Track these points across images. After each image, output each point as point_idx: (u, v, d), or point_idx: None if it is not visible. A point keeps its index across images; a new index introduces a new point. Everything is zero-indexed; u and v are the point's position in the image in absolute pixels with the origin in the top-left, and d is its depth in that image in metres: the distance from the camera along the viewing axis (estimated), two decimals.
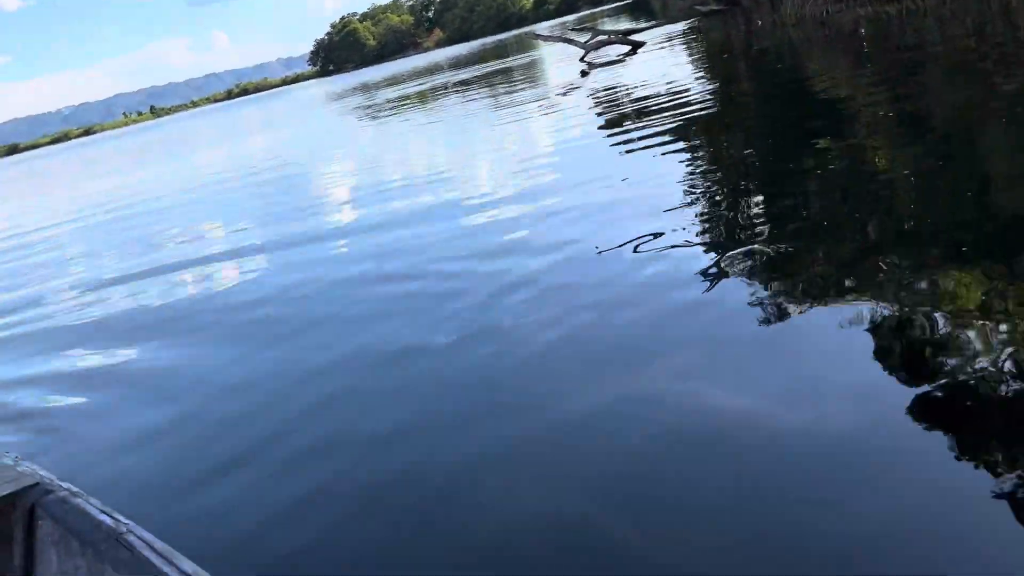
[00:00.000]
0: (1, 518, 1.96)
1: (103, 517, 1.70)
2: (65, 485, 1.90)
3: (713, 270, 3.68)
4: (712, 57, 13.83)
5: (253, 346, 4.24)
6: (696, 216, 4.59)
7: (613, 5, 75.22)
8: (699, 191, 5.16)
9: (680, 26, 21.97)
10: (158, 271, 6.69)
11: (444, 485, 2.47)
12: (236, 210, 9.46)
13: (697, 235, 4.25)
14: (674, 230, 4.36)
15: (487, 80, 22.74)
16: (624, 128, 8.34)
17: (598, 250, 4.37)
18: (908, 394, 2.37)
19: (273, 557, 2.27)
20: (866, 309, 2.95)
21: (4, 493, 1.88)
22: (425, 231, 5.82)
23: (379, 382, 3.41)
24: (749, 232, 4.13)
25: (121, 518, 1.70)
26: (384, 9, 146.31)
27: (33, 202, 20.37)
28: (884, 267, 3.32)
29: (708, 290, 3.47)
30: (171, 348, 4.50)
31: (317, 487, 2.62)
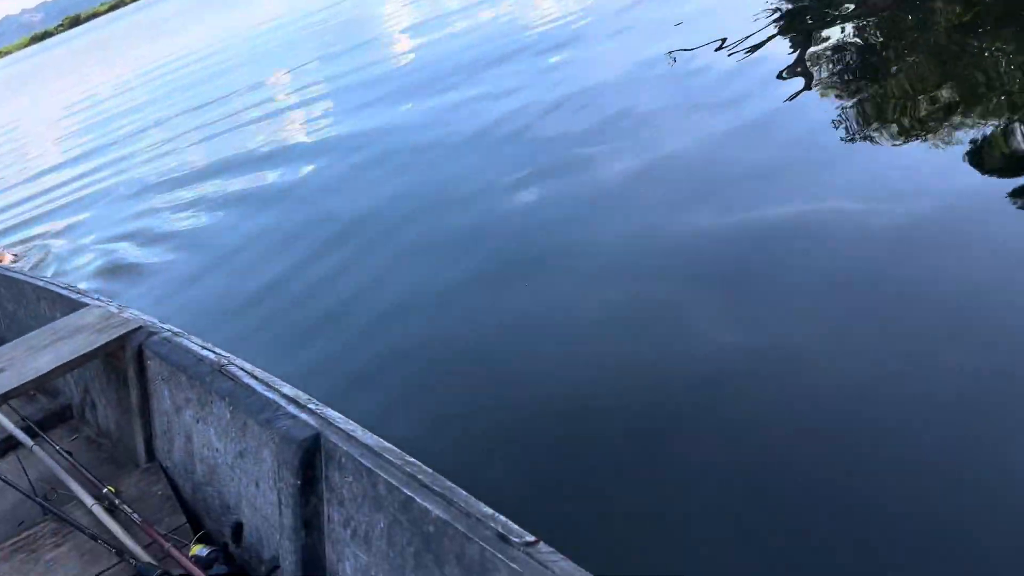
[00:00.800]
0: (115, 360, 2.06)
1: (205, 352, 1.76)
2: (167, 327, 1.96)
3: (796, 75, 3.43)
4: None
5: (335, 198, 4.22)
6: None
7: None
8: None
9: None
10: (232, 131, 6.64)
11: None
12: (297, 57, 9.25)
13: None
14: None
15: None
16: None
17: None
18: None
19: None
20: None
21: (114, 337, 1.96)
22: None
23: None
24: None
25: (222, 352, 1.75)
26: None
27: (108, 75, 20.48)
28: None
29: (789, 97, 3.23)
30: (248, 209, 4.52)
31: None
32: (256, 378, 1.57)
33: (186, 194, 5.01)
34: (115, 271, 4.00)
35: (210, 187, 4.96)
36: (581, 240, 2.75)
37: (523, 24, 6.26)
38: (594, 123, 3.76)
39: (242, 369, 1.61)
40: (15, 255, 4.88)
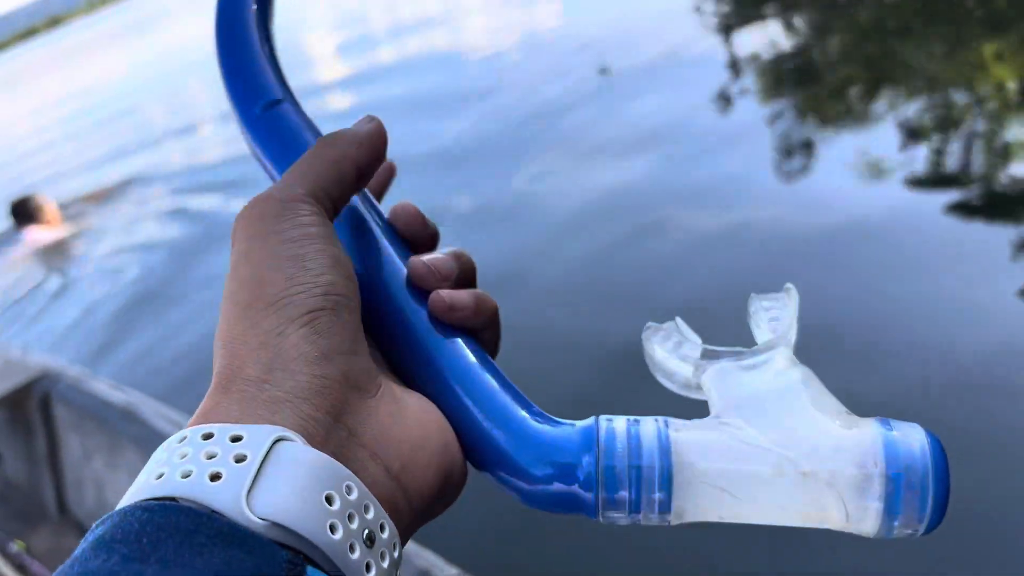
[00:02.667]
0: (18, 409, 1.99)
1: (115, 394, 1.72)
2: (74, 369, 1.91)
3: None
4: None
5: None
6: None
7: None
8: None
9: None
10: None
11: None
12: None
13: None
14: None
15: None
16: None
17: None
18: None
19: None
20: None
21: (17, 385, 1.90)
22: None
23: None
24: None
25: (133, 392, 1.71)
26: None
27: (19, 107, 19.81)
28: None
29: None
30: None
31: None
32: (168, 420, 1.54)
33: None
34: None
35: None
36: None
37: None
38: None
39: (154, 411, 1.58)
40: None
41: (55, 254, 4.48)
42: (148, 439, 1.53)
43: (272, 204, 0.29)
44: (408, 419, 0.29)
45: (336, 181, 0.31)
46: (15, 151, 10.23)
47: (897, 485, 0.26)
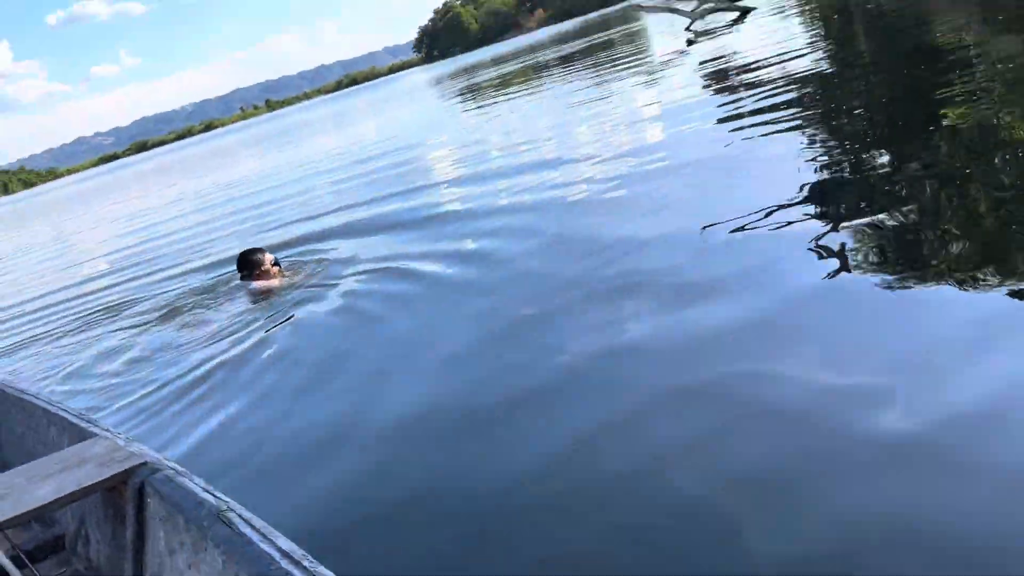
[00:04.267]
0: (115, 495, 2.01)
1: (206, 495, 1.72)
2: (171, 464, 1.93)
3: (830, 246, 3.43)
4: (826, 19, 13.11)
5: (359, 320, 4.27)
6: (809, 190, 4.29)
7: None
8: (811, 164, 4.79)
9: None
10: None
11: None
12: (342, 193, 9.62)
13: (812, 210, 3.97)
14: (787, 204, 4.11)
15: (589, 54, 22.44)
16: (732, 97, 8.02)
17: (702, 227, 4.17)
18: None
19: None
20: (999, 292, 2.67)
21: (117, 472, 1.93)
22: (525, 214, 5.72)
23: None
24: (868, 204, 3.81)
25: (223, 496, 1.70)
26: None
27: (160, 197, 21.44)
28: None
29: (828, 273, 3.22)
30: (264, 337, 4.57)
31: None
32: (253, 527, 1.51)
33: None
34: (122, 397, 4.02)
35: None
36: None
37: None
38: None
39: (240, 517, 1.56)
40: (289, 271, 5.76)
41: (267, 300, 5.26)
42: (231, 543, 1.50)
43: None
44: None
45: None
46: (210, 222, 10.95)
47: None
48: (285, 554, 1.39)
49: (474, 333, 3.66)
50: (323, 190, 10.60)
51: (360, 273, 5.30)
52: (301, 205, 9.77)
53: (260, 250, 5.69)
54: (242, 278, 5.60)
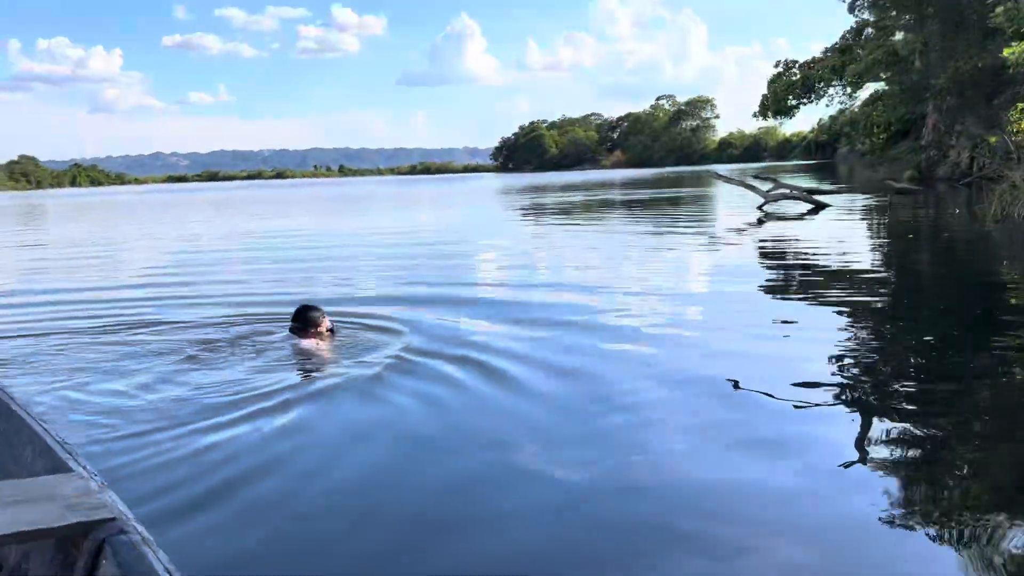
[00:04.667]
0: (68, 544, 1.82)
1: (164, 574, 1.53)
2: (139, 528, 1.74)
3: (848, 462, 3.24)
4: (896, 236, 13.16)
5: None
6: (836, 399, 4.12)
7: (797, 163, 74.70)
8: (846, 375, 4.65)
9: (868, 197, 21.28)
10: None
11: None
12: (380, 272, 9.62)
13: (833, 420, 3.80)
14: (817, 405, 3.95)
15: (657, 205, 22.78)
16: (786, 285, 7.99)
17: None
18: None
19: None
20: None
21: (79, 520, 1.74)
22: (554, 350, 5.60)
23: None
24: (891, 443, 3.60)
25: None
26: (573, 122, 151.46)
27: (197, 228, 21.81)
28: None
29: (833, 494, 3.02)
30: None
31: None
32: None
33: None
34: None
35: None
36: None
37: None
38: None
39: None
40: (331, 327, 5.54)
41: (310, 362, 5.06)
42: None
43: None
44: None
45: None
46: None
47: None
48: None
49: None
50: (372, 261, 10.64)
51: (405, 359, 5.06)
52: (349, 271, 9.80)
53: (319, 309, 5.51)
54: (292, 330, 5.39)
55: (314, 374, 4.78)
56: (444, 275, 9.00)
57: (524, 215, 22.12)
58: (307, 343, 5.30)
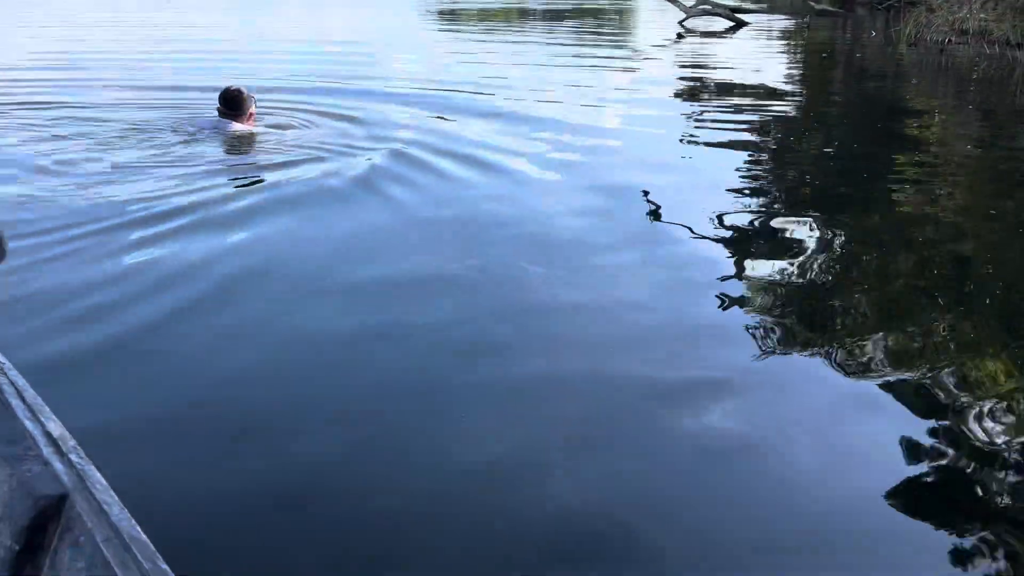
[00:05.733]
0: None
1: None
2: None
3: (733, 278, 3.32)
4: (811, 56, 13.16)
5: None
6: (736, 218, 4.17)
7: None
8: (748, 193, 4.68)
9: (787, 18, 21.02)
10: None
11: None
12: (300, 74, 9.06)
13: (728, 238, 3.85)
14: (713, 222, 4.00)
15: (578, 16, 21.99)
16: (700, 103, 7.94)
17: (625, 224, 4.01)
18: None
19: None
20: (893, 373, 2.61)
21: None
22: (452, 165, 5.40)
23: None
24: (785, 252, 3.68)
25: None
26: None
27: (86, 17, 20.05)
28: (915, 330, 2.94)
29: (721, 304, 3.09)
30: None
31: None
32: (23, 399, 1.22)
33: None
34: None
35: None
36: None
37: None
38: None
39: (12, 384, 1.26)
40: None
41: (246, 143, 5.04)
42: None
43: None
44: None
45: None
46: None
47: None
48: (52, 441, 1.12)
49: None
50: (279, 65, 9.98)
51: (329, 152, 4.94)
52: (259, 67, 9.19)
53: (245, 90, 5.25)
54: (221, 114, 5.14)
55: (240, 162, 4.66)
56: (353, 81, 8.52)
57: (441, 20, 21.07)
58: (238, 127, 5.10)
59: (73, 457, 1.09)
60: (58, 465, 1.07)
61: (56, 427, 1.16)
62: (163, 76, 8.26)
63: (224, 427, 2.13)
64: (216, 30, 16.10)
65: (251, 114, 5.21)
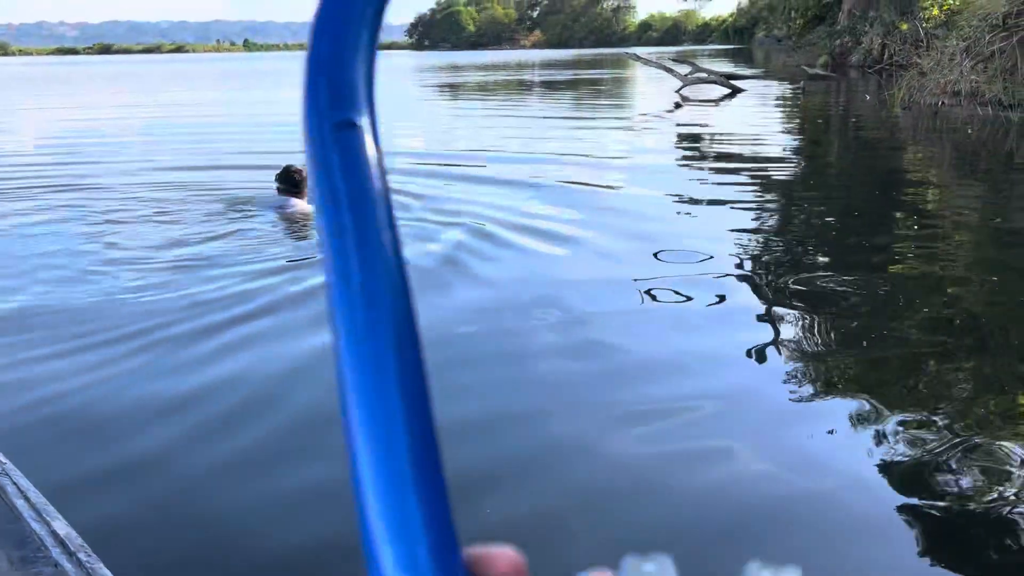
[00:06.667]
0: None
1: None
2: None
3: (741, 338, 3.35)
4: (808, 121, 13.38)
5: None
6: (737, 277, 4.22)
7: (715, 47, 74.55)
8: (750, 254, 4.76)
9: (782, 83, 21.48)
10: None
11: None
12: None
13: (731, 298, 3.89)
14: (714, 281, 4.04)
15: (574, 87, 22.46)
16: (699, 167, 8.06)
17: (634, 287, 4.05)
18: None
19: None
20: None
21: None
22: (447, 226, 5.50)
23: None
24: (784, 320, 3.72)
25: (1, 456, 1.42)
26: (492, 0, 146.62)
27: (91, 110, 20.56)
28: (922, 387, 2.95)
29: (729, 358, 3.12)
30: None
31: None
32: (27, 500, 1.24)
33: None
34: None
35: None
36: None
37: None
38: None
39: (15, 484, 1.28)
40: None
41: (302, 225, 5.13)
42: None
43: None
44: None
45: None
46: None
47: None
48: (60, 541, 1.13)
49: None
50: (286, 135, 10.18)
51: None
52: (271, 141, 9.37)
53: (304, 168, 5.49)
54: (280, 192, 5.33)
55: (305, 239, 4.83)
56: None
57: (441, 96, 21.51)
58: (299, 205, 5.24)
59: (81, 556, 1.10)
60: (67, 565, 1.08)
61: (62, 526, 1.17)
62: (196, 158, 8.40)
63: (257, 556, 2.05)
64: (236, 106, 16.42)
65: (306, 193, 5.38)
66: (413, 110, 16.11)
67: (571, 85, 23.28)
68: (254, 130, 11.97)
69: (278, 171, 5.40)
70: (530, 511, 2.15)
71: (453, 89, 22.99)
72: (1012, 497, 2.21)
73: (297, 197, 5.28)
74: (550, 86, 23.10)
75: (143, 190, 6.35)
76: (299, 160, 5.26)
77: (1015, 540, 2.04)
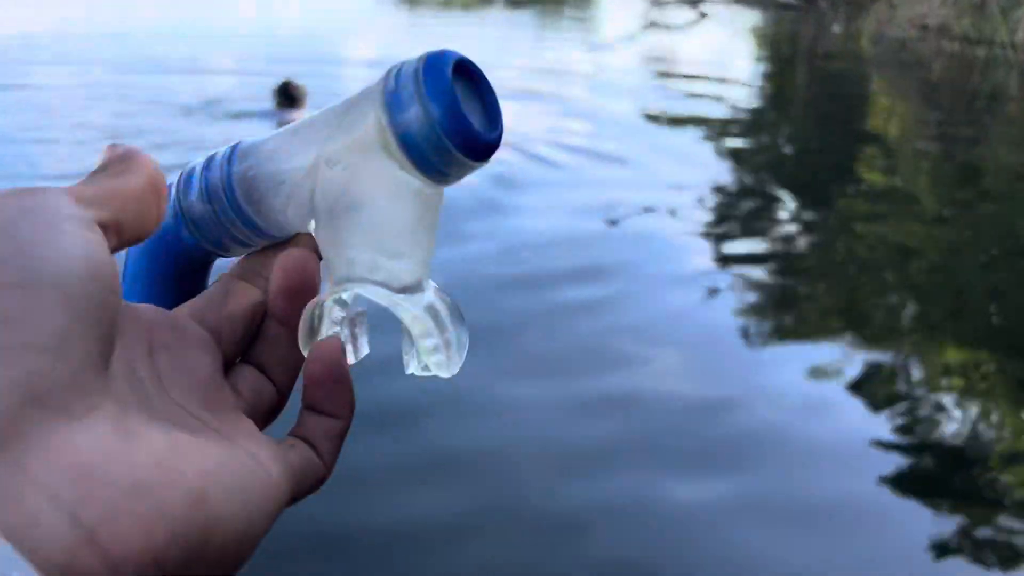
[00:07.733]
0: None
1: None
2: None
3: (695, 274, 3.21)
4: (775, 49, 13.16)
5: None
6: (694, 207, 4.06)
7: None
8: (706, 185, 4.57)
9: (753, 8, 21.09)
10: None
11: None
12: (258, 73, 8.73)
13: (688, 228, 3.74)
14: (671, 213, 3.88)
15: (541, 2, 21.81)
16: (660, 93, 7.83)
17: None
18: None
19: None
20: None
21: None
22: None
23: None
24: (743, 252, 3.58)
25: None
26: None
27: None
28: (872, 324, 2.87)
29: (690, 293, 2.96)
30: None
31: None
32: None
33: None
34: None
35: None
36: None
37: None
38: None
39: None
40: None
41: None
42: None
43: None
44: (136, 454, 0.19)
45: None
46: None
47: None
48: None
49: None
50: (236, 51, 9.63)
51: None
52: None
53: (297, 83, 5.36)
54: (278, 105, 5.21)
55: None
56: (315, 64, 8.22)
57: (398, 8, 20.71)
58: (301, 116, 4.94)
59: None
60: None
61: None
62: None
63: None
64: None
65: (303, 104, 5.30)
66: (368, 22, 15.47)
67: (535, 2, 22.60)
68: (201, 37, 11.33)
69: (276, 86, 5.35)
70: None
71: (411, 2, 22.17)
72: (967, 431, 2.17)
73: (297, 110, 5.20)
74: (515, 3, 22.40)
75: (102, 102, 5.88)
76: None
77: (969, 468, 2.00)
